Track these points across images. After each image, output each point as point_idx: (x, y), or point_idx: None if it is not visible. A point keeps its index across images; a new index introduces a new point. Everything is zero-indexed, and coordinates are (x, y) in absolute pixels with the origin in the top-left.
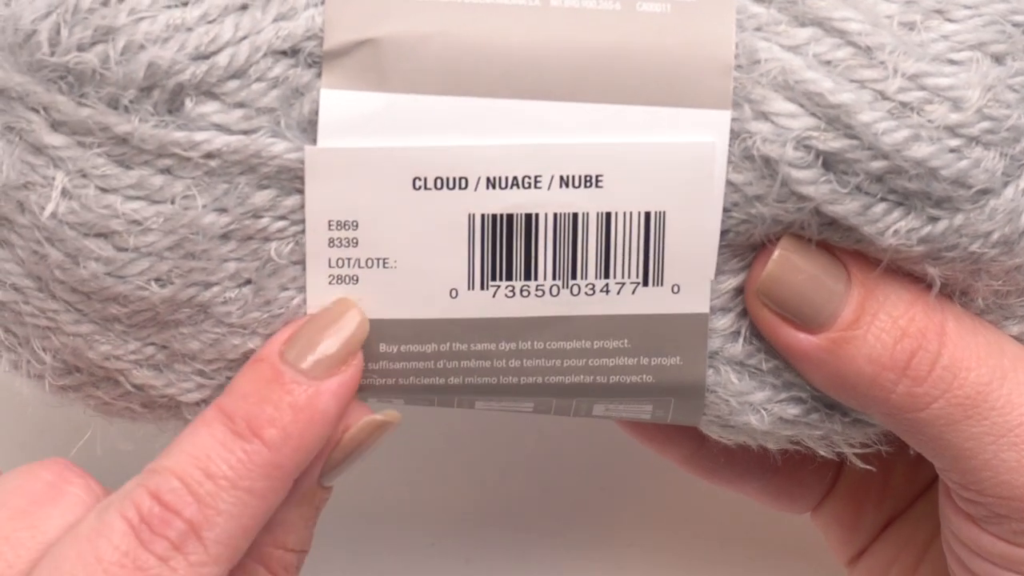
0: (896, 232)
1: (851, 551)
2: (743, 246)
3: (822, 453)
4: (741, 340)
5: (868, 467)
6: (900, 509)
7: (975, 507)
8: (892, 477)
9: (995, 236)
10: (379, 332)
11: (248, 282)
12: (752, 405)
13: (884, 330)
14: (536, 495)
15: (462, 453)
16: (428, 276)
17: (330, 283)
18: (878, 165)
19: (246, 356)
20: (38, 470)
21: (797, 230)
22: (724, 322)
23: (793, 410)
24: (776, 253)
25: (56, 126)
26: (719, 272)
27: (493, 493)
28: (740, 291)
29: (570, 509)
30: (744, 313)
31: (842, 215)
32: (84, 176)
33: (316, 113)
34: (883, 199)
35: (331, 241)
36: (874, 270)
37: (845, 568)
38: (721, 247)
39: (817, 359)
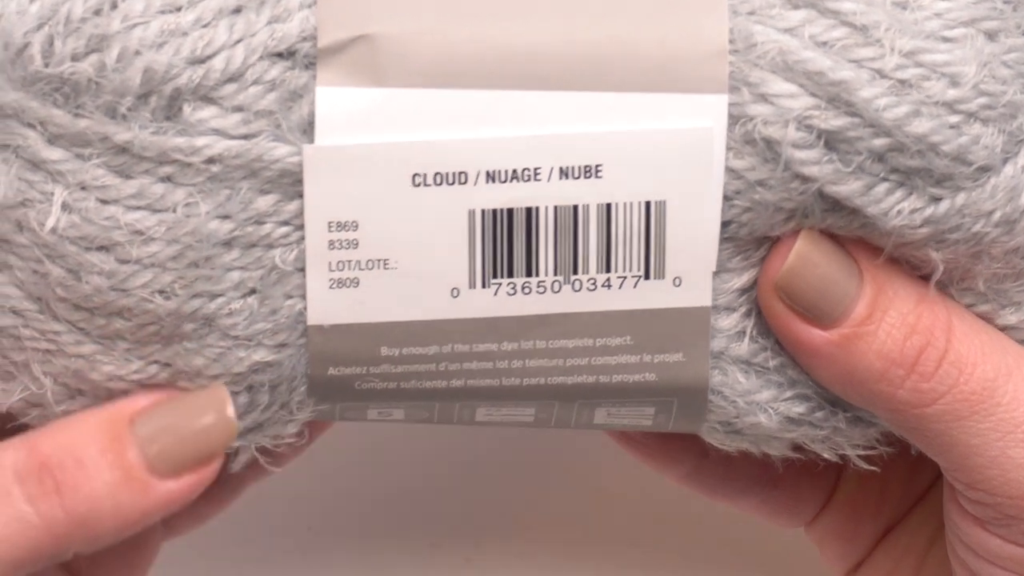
0: (900, 212)
1: (849, 563)
2: (746, 241)
3: (825, 456)
4: (747, 339)
5: (872, 468)
6: (897, 518)
7: (982, 509)
8: (889, 485)
9: (997, 215)
10: (380, 335)
11: (253, 291)
12: (760, 404)
13: (895, 326)
14: (536, 495)
15: (462, 453)
16: (429, 276)
17: (331, 287)
18: (880, 142)
19: (251, 369)
20: None
21: (800, 218)
22: (729, 321)
23: (799, 408)
24: (796, 247)
25: (53, 140)
26: (724, 270)
27: (493, 493)
28: (744, 290)
29: (570, 509)
30: (749, 312)
31: (845, 195)
32: (84, 188)
33: (315, 115)
34: (885, 179)
35: (331, 243)
36: (881, 265)
37: None
38: (724, 241)
39: (828, 354)
